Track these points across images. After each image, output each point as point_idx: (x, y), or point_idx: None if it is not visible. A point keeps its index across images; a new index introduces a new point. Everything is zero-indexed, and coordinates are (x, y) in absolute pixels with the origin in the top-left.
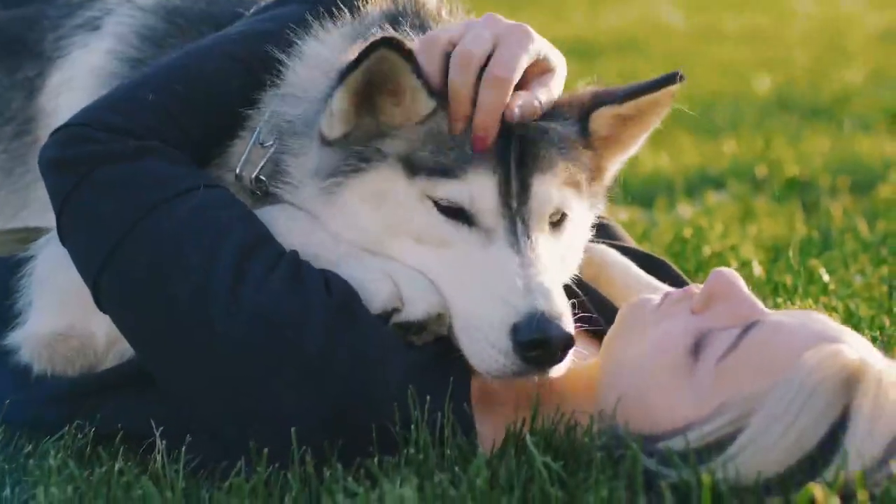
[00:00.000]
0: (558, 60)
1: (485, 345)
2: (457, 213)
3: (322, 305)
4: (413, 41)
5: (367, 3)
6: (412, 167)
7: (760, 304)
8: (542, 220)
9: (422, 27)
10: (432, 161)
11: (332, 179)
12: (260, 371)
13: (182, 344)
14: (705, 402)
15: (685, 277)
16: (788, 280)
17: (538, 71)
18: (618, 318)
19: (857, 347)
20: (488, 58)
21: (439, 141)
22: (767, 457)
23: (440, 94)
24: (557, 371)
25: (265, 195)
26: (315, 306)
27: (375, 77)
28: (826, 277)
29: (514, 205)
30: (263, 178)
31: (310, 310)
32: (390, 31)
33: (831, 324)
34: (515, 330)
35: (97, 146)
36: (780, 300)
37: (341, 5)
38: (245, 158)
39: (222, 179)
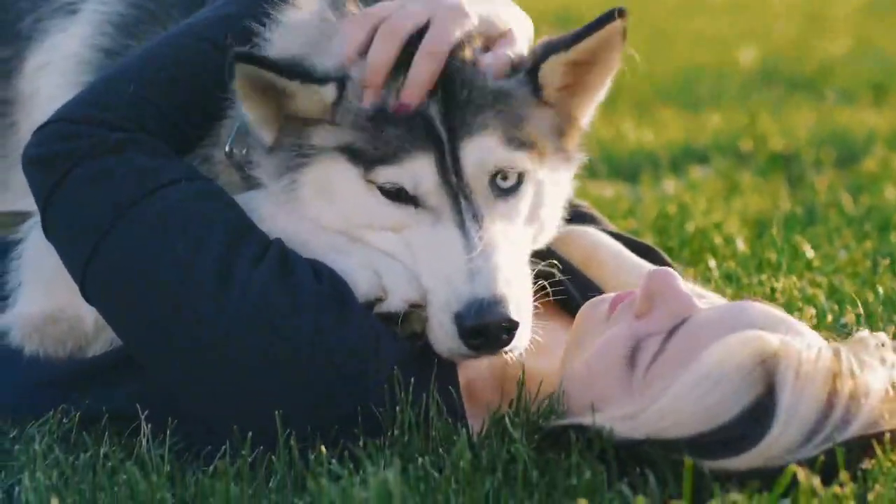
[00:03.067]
0: (513, 20)
1: (436, 327)
2: (403, 196)
3: (312, 296)
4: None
5: None
6: (351, 156)
7: (697, 300)
8: (483, 187)
9: None
10: (368, 148)
11: (287, 177)
12: (248, 361)
13: (170, 336)
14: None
15: (672, 263)
16: (773, 256)
17: (495, 37)
18: (575, 320)
19: (780, 333)
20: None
21: (370, 126)
22: (671, 420)
23: (342, 77)
24: (514, 350)
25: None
26: (304, 297)
27: (260, 84)
28: (810, 253)
29: (454, 180)
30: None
31: (298, 300)
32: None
33: (761, 311)
34: (458, 317)
35: (78, 142)
36: (764, 276)
37: None
38: (233, 137)
39: (214, 157)
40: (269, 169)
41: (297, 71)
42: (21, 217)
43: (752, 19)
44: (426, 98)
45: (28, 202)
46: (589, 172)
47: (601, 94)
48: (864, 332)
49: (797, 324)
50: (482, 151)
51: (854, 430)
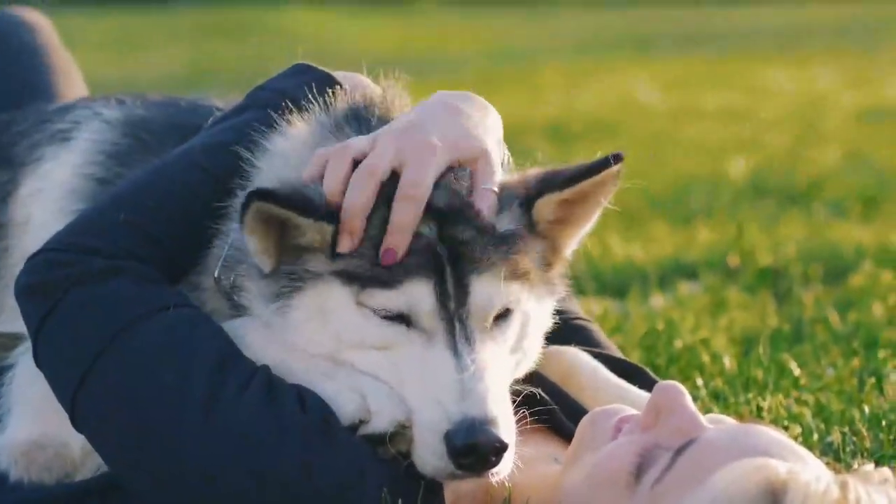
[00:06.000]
0: (482, 130)
1: (423, 447)
2: (397, 318)
3: (297, 423)
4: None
5: (332, 97)
6: (347, 280)
7: (703, 419)
8: (484, 320)
9: (384, 119)
10: (365, 272)
11: (279, 302)
12: (235, 489)
13: (157, 464)
14: None
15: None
16: (760, 374)
17: (469, 162)
18: (577, 432)
19: (788, 461)
20: (394, 173)
21: (367, 254)
22: None
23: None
24: (499, 474)
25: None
26: (289, 424)
27: (270, 219)
28: (797, 371)
29: (452, 306)
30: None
31: (284, 428)
32: (266, 183)
33: (769, 437)
34: (448, 436)
35: (67, 269)
36: (751, 395)
37: (295, 108)
38: (221, 264)
39: (202, 284)
40: (261, 293)
41: (308, 208)
42: (14, 339)
43: (745, 127)
44: (414, 239)
45: (21, 324)
46: (576, 289)
47: (589, 226)
48: (869, 466)
49: (803, 451)
50: (491, 293)
51: None
